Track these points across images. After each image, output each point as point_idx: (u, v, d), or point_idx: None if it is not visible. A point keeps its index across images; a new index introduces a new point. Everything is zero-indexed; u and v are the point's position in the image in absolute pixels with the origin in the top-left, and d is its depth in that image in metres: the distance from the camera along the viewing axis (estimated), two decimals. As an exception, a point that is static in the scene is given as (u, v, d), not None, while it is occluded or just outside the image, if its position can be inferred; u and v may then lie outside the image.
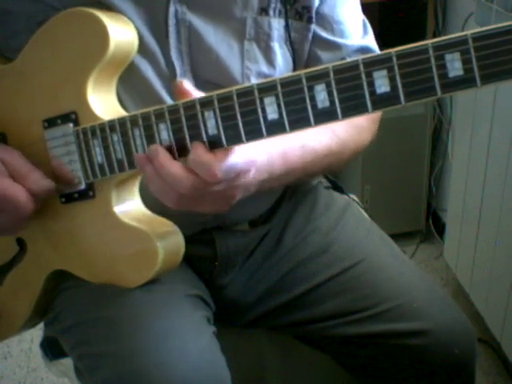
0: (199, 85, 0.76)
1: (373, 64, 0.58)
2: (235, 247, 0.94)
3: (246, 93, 0.64)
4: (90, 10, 0.74)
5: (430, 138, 2.10)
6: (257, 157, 0.70)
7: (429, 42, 0.55)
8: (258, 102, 0.63)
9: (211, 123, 0.66)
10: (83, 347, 0.81)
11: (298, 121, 0.62)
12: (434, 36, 2.01)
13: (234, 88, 0.64)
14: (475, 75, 0.54)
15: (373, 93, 0.58)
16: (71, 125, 0.76)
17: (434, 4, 1.97)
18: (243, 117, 0.64)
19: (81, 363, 0.82)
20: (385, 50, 0.58)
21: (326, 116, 0.61)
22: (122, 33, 0.76)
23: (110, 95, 0.78)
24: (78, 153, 0.76)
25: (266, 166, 0.74)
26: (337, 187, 1.09)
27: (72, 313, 0.84)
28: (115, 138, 0.72)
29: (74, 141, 0.76)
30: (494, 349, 1.68)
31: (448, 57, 0.54)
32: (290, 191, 1.02)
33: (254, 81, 0.82)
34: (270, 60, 0.85)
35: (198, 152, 0.66)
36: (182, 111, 0.67)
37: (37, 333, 1.73)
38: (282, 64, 0.86)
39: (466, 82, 0.54)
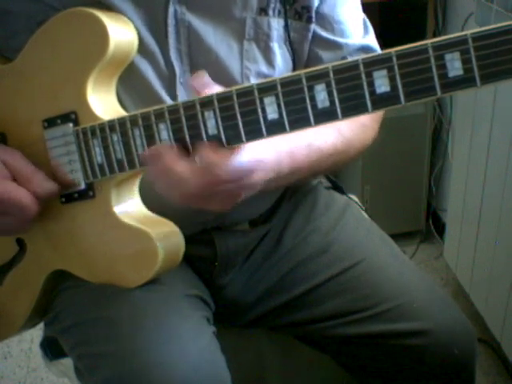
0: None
1: (373, 64, 0.58)
2: (235, 247, 0.94)
3: (245, 93, 0.64)
4: (90, 10, 0.74)
5: (430, 138, 2.10)
6: (264, 156, 0.70)
7: (429, 41, 0.55)
8: (257, 101, 0.63)
9: (211, 123, 0.66)
10: (83, 347, 0.81)
11: (298, 121, 0.62)
12: (434, 36, 2.01)
13: (233, 88, 0.64)
14: (475, 75, 0.54)
15: (373, 92, 0.58)
16: (71, 125, 0.76)
17: (434, 4, 1.97)
18: (243, 117, 0.64)
19: (81, 363, 0.82)
20: (385, 50, 0.58)
21: (325, 116, 0.61)
22: (122, 33, 0.76)
23: (110, 95, 0.78)
24: (77, 153, 0.76)
25: (274, 165, 0.74)
26: (337, 187, 1.09)
27: (72, 313, 0.84)
28: (115, 137, 0.72)
29: (74, 141, 0.76)
30: (493, 349, 1.68)
31: (448, 56, 0.54)
32: (290, 191, 1.02)
33: (254, 81, 0.82)
34: (269, 60, 0.85)
35: (206, 151, 0.66)
36: (181, 111, 0.67)
37: (37, 333, 1.73)
38: (281, 64, 0.86)
39: (465, 81, 0.54)
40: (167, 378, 0.71)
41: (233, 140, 0.66)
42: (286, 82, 0.62)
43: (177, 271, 0.81)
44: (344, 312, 0.90)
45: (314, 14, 0.86)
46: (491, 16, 1.48)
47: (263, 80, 0.64)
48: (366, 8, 0.97)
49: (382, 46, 0.89)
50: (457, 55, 0.54)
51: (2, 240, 0.86)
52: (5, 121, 0.82)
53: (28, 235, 0.84)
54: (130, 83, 0.79)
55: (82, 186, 0.78)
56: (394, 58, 0.57)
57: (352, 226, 0.99)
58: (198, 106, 0.66)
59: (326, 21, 0.89)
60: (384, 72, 0.57)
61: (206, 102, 0.66)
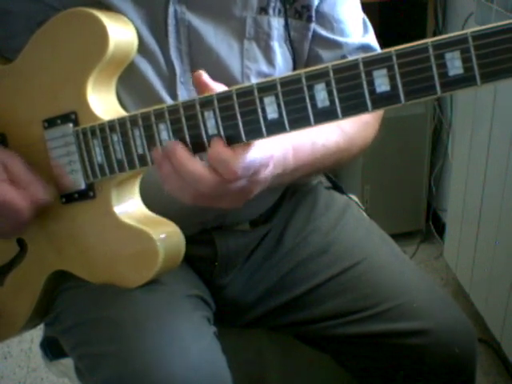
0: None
1: (372, 63, 0.58)
2: (235, 247, 0.94)
3: (245, 92, 0.64)
4: (90, 10, 0.74)
5: (430, 138, 2.10)
6: (274, 151, 0.70)
7: (429, 40, 0.55)
8: (257, 101, 0.63)
9: (211, 123, 0.66)
10: (84, 347, 0.81)
11: (298, 120, 0.62)
12: (434, 36, 2.00)
13: (233, 88, 0.64)
14: (475, 74, 0.54)
15: (373, 92, 0.58)
16: (71, 125, 0.76)
17: (434, 4, 1.97)
18: (243, 116, 0.64)
19: (81, 363, 0.82)
20: (385, 49, 0.58)
21: (325, 115, 0.61)
22: (122, 33, 0.76)
23: (110, 95, 0.78)
24: (77, 153, 0.76)
25: (282, 161, 0.74)
26: (337, 187, 1.09)
27: (72, 313, 0.84)
28: (115, 138, 0.72)
29: (74, 141, 0.76)
30: (494, 349, 1.68)
31: (448, 55, 0.54)
32: (291, 191, 1.02)
33: (254, 80, 0.82)
34: (269, 59, 0.85)
35: (217, 148, 0.65)
36: (181, 111, 0.67)
37: (37, 333, 1.72)
38: (281, 63, 0.86)
39: (466, 80, 0.54)
40: (168, 378, 0.71)
41: (233, 140, 0.65)
42: (285, 82, 0.62)
43: (177, 271, 0.81)
44: (344, 312, 0.90)
45: (313, 13, 0.87)
46: (491, 16, 1.48)
47: (263, 80, 0.64)
48: (366, 8, 0.97)
49: (382, 45, 0.88)
50: (457, 54, 0.54)
51: (2, 240, 0.86)
52: (5, 121, 0.82)
53: (28, 236, 0.84)
54: (130, 83, 0.79)
55: (83, 187, 0.78)
56: (394, 57, 0.57)
57: (352, 226, 0.99)
58: (197, 106, 0.66)
59: (325, 20, 0.89)
60: (384, 71, 0.57)
61: (206, 102, 0.66)
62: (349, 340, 0.91)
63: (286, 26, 0.85)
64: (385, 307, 0.88)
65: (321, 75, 0.60)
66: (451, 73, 0.55)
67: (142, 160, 0.71)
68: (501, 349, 1.58)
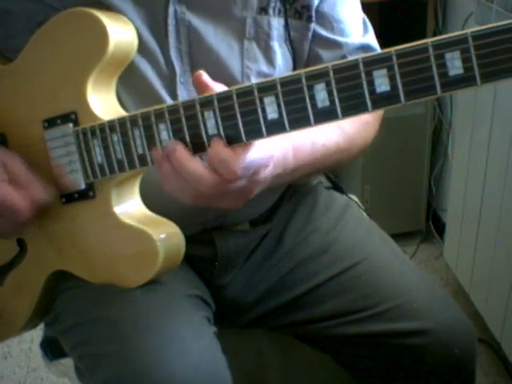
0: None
1: (372, 63, 0.58)
2: (235, 247, 0.94)
3: (245, 92, 0.64)
4: (90, 10, 0.74)
5: (430, 138, 2.10)
6: (273, 151, 0.70)
7: (429, 40, 0.55)
8: (257, 101, 0.63)
9: (211, 123, 0.66)
10: (84, 347, 0.81)
11: (298, 120, 0.62)
12: (434, 36, 2.00)
13: (233, 88, 0.64)
14: (475, 74, 0.54)
15: (373, 92, 0.58)
16: (71, 125, 0.76)
17: (434, 4, 1.97)
18: (243, 117, 0.64)
19: (81, 363, 0.82)
20: (384, 49, 0.58)
21: (325, 115, 0.61)
22: (122, 33, 0.76)
23: (110, 95, 0.78)
24: (77, 153, 0.76)
25: (282, 161, 0.74)
26: (337, 187, 1.09)
27: (72, 313, 0.84)
28: (115, 138, 0.72)
29: (74, 141, 0.76)
30: (494, 349, 1.68)
31: (448, 55, 0.54)
32: (291, 191, 1.02)
33: (254, 80, 0.82)
34: (269, 59, 0.85)
35: (217, 148, 0.65)
36: (181, 111, 0.67)
37: (37, 333, 1.72)
38: (281, 63, 0.86)
39: (466, 80, 0.54)
40: (168, 378, 0.71)
41: (233, 140, 0.65)
42: (285, 82, 0.62)
43: (177, 271, 0.81)
44: (344, 312, 0.91)
45: (313, 13, 0.87)
46: (491, 16, 1.48)
47: (263, 80, 0.63)
48: (366, 8, 0.97)
49: (382, 45, 0.89)
50: (457, 54, 0.54)
51: (2, 240, 0.86)
52: (5, 121, 0.82)
53: (28, 236, 0.84)
54: (130, 83, 0.79)
55: (83, 187, 0.78)
56: (394, 57, 0.57)
57: (352, 226, 0.99)
58: (197, 106, 0.66)
59: (325, 20, 0.89)
60: (384, 71, 0.57)
61: (206, 102, 0.66)
62: (349, 340, 0.91)
63: (286, 25, 0.85)
64: (385, 307, 0.88)
65: (321, 75, 0.60)
66: (451, 73, 0.55)
67: (142, 160, 0.71)
68: (501, 349, 1.58)
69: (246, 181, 0.67)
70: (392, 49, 0.57)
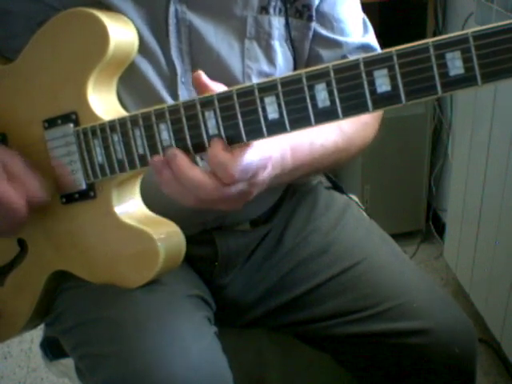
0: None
1: (373, 63, 0.58)
2: (236, 247, 0.94)
3: (246, 92, 0.64)
4: (90, 10, 0.74)
5: (430, 138, 2.10)
6: (271, 152, 0.70)
7: (429, 40, 0.55)
8: (258, 101, 0.63)
9: (212, 123, 0.66)
10: (84, 347, 0.81)
11: (299, 120, 0.62)
12: (434, 36, 2.00)
13: (234, 88, 0.64)
14: (476, 74, 0.54)
15: (373, 92, 0.58)
16: (71, 125, 0.76)
17: (434, 4, 1.97)
18: (244, 116, 0.64)
19: (82, 363, 0.82)
20: (385, 49, 0.58)
21: (326, 115, 0.61)
22: (122, 33, 0.76)
23: (111, 95, 0.78)
24: (78, 153, 0.76)
25: (280, 161, 0.74)
26: (337, 187, 1.09)
27: (73, 313, 0.84)
28: (116, 138, 0.72)
29: (75, 141, 0.76)
30: (494, 349, 1.68)
31: (449, 55, 0.54)
32: (291, 191, 1.02)
33: (255, 80, 0.82)
34: (270, 59, 0.85)
35: (215, 151, 0.65)
36: (182, 111, 0.67)
37: (37, 333, 1.72)
38: (282, 63, 0.86)
39: (466, 80, 0.54)
40: (169, 378, 0.71)
41: (233, 140, 0.66)
42: (286, 82, 0.62)
43: (178, 271, 0.81)
44: (345, 311, 0.91)
45: (314, 13, 0.87)
46: (491, 16, 1.48)
47: (264, 79, 0.63)
48: (366, 8, 0.97)
49: (382, 45, 0.89)
50: (458, 54, 0.54)
51: (2, 241, 0.86)
52: (5, 121, 0.82)
53: (29, 236, 0.84)
54: (130, 83, 0.79)
55: (83, 187, 0.78)
56: (395, 57, 0.57)
57: (352, 226, 0.99)
58: (198, 106, 0.66)
59: (325, 19, 0.89)
60: (385, 71, 0.57)
61: (207, 102, 0.66)
62: (349, 340, 0.91)
63: (287, 25, 0.85)
64: (385, 307, 0.88)
65: (321, 75, 0.60)
66: (452, 73, 0.55)
67: (143, 160, 0.71)
68: (501, 349, 1.58)
69: (244, 184, 0.67)
70: (393, 49, 0.57)
